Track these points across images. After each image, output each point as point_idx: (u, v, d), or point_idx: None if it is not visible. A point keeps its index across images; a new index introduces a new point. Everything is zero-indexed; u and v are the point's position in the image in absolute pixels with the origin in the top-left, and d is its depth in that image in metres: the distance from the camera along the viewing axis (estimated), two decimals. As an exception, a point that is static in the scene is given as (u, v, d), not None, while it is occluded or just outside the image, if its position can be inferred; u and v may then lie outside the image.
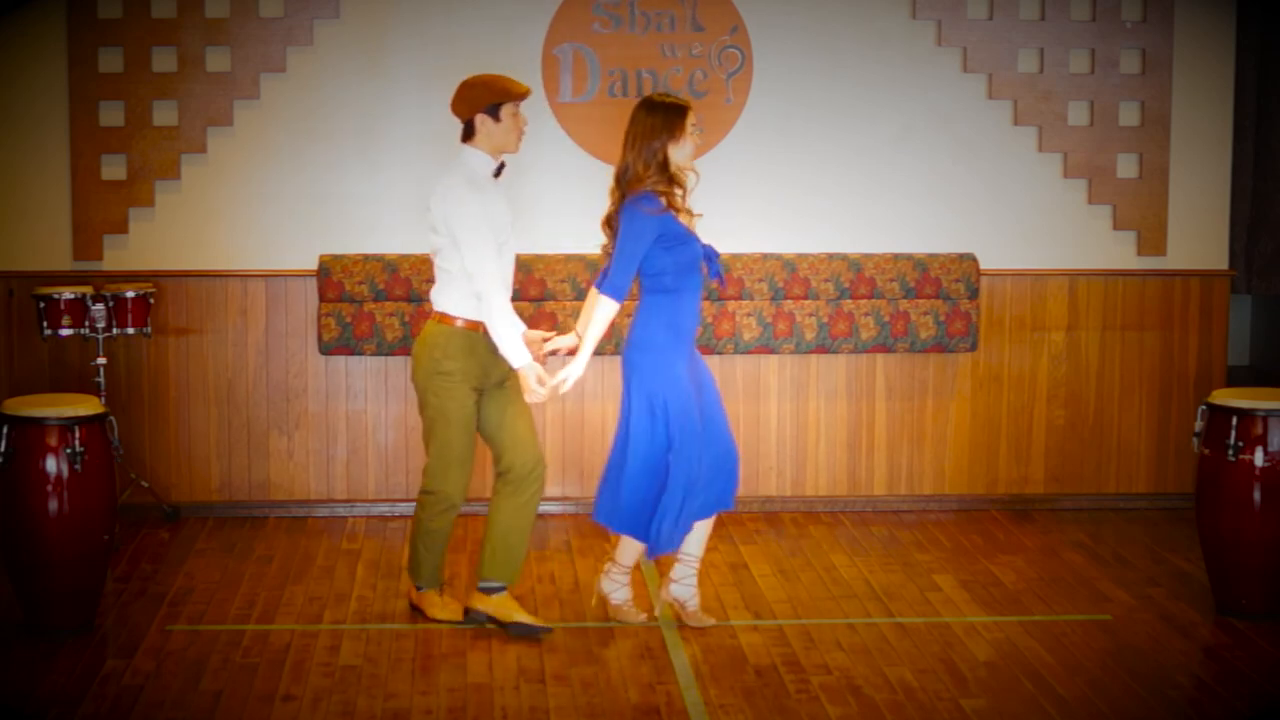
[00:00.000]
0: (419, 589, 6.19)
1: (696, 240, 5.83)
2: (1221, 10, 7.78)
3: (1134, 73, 7.75)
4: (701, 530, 6.00)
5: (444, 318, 5.91)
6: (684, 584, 6.03)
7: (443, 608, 6.15)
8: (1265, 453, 6.03)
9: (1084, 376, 7.84)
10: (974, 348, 7.65)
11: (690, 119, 5.79)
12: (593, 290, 5.95)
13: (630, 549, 6.04)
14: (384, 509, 7.63)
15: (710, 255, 5.89)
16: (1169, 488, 7.89)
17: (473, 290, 5.81)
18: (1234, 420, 6.06)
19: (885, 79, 7.66)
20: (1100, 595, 6.47)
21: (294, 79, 7.51)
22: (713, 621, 6.04)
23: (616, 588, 6.11)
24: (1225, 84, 7.84)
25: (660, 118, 5.76)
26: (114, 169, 7.47)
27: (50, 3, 7.37)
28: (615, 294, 5.75)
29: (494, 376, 5.99)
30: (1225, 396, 6.17)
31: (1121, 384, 7.87)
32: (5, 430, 5.82)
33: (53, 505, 5.82)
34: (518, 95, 5.89)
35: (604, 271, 5.86)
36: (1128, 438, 7.89)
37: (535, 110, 7.55)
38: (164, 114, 7.47)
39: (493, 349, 5.87)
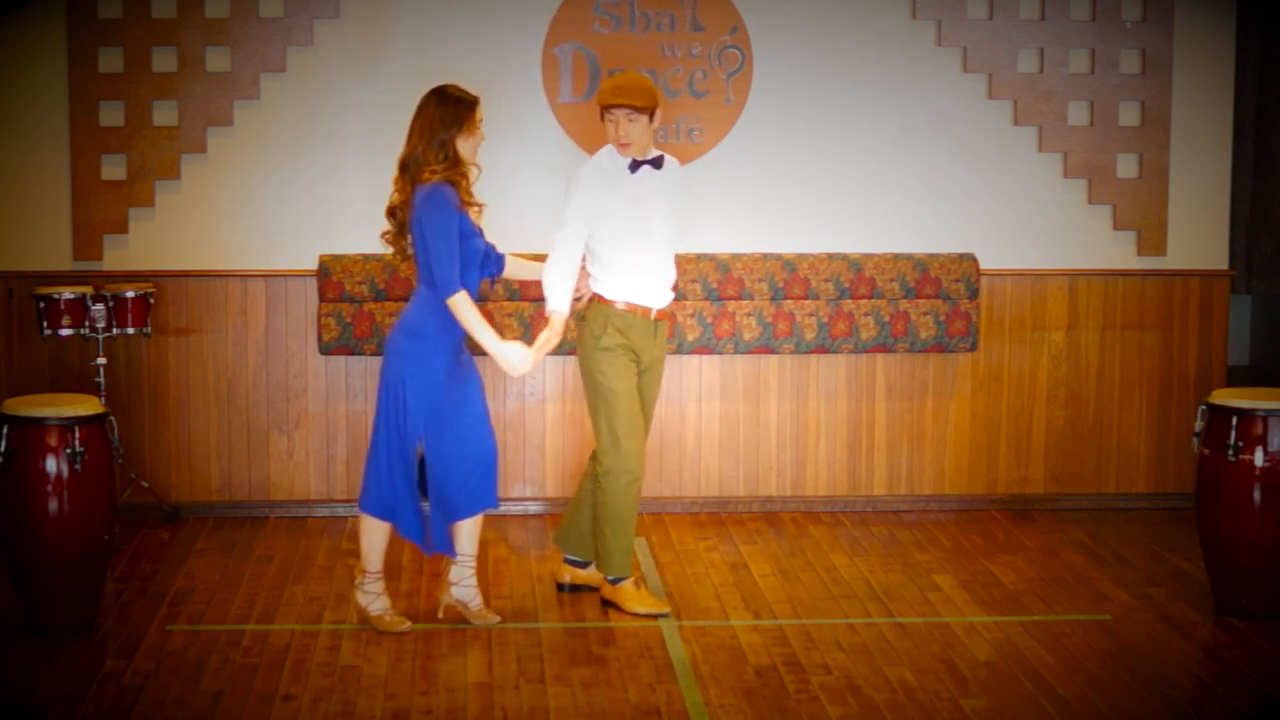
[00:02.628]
0: (612, 582, 6.18)
1: (479, 236, 5.86)
2: (1221, 10, 7.78)
3: (1134, 73, 7.75)
4: (471, 529, 5.99)
5: (602, 299, 6.08)
6: (464, 585, 6.04)
7: (641, 600, 6.15)
8: (1265, 453, 6.03)
9: (1084, 376, 7.84)
10: (974, 348, 7.65)
11: (479, 113, 5.85)
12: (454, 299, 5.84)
13: (375, 554, 5.99)
14: (384, 509, 7.63)
15: (488, 253, 5.90)
16: (1169, 488, 7.89)
17: (622, 271, 6.06)
18: (1234, 420, 6.06)
19: (885, 79, 7.66)
20: (1100, 595, 6.47)
21: (294, 79, 7.51)
22: (498, 619, 6.02)
23: (373, 598, 6.02)
24: (1225, 84, 7.84)
25: (450, 109, 5.83)
26: (114, 169, 7.47)
27: (50, 3, 7.37)
28: (453, 287, 5.73)
29: (647, 359, 6.13)
30: (1225, 396, 6.17)
31: (1121, 384, 7.87)
32: (5, 430, 5.82)
33: (53, 505, 5.82)
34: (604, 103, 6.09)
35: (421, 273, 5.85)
36: (1128, 438, 7.89)
37: (535, 110, 7.57)
38: (164, 114, 7.47)
39: (649, 331, 6.08)
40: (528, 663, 5.66)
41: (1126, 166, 7.79)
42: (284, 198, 7.55)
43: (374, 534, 5.99)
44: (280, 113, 7.51)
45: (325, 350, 7.44)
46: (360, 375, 7.61)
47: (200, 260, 7.54)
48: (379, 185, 7.53)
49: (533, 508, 7.67)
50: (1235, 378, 8.39)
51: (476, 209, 5.92)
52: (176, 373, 7.57)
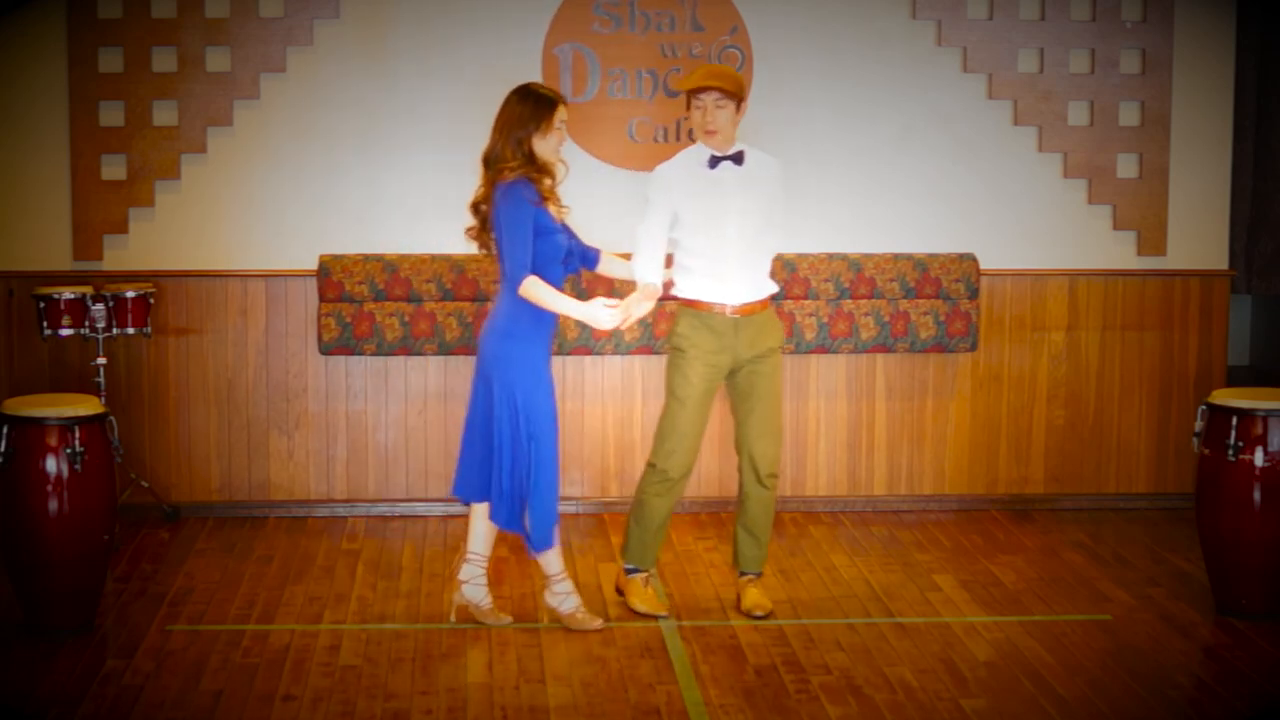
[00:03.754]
0: (627, 571, 6.21)
1: (564, 233, 5.85)
2: (1221, 10, 7.78)
3: (1134, 73, 7.75)
4: (490, 530, 5.99)
5: (676, 298, 6.14)
6: (475, 584, 6.03)
7: (643, 598, 6.17)
8: (1265, 453, 6.03)
9: (1084, 376, 7.84)
10: (974, 348, 7.65)
11: (559, 114, 5.81)
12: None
13: (554, 557, 5.99)
14: (384, 509, 7.63)
15: (572, 250, 5.89)
16: (1169, 488, 7.89)
17: (696, 270, 6.06)
18: (1234, 420, 6.06)
19: (885, 79, 7.66)
20: (1100, 595, 6.47)
21: (294, 79, 7.51)
22: (509, 620, 6.02)
23: (563, 599, 6.03)
24: (1225, 84, 7.84)
25: (529, 108, 5.80)
26: (114, 169, 7.47)
27: (50, 3, 7.37)
28: (521, 273, 5.72)
29: (732, 359, 6.10)
30: (1225, 396, 6.17)
31: (1121, 384, 7.87)
32: (5, 430, 5.82)
33: (53, 505, 5.82)
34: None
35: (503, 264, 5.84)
36: (1128, 438, 7.89)
37: (535, 110, 7.56)
38: (164, 114, 7.47)
39: (729, 329, 6.06)
40: (528, 663, 5.66)
41: (1126, 166, 7.79)
42: (284, 198, 7.55)
43: (484, 516, 5.98)
44: (280, 113, 7.52)
45: (325, 350, 7.44)
46: (360, 375, 7.61)
47: (200, 260, 7.54)
48: (379, 185, 7.57)
49: (533, 508, 7.67)
50: (1235, 378, 8.39)
51: (558, 207, 5.89)
52: (176, 373, 7.57)
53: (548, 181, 5.83)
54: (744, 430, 6.17)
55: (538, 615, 6.14)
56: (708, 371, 6.08)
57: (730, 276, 6.06)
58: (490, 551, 6.05)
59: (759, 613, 6.13)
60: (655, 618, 6.11)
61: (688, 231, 6.05)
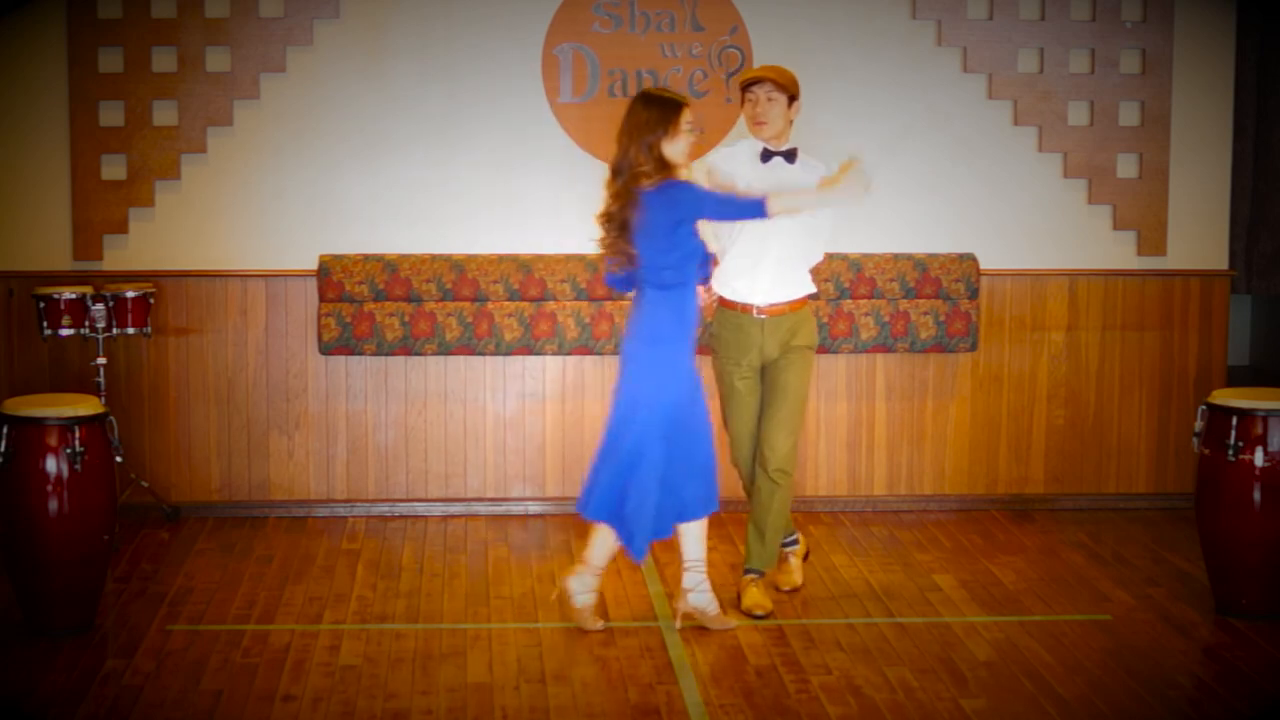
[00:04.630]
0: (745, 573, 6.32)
1: (699, 238, 5.86)
2: (1221, 10, 7.78)
3: (1134, 73, 7.75)
4: (698, 533, 5.98)
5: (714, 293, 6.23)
6: (699, 591, 6.01)
7: (749, 596, 6.22)
8: (1265, 453, 6.03)
9: (1084, 376, 7.84)
10: (974, 348, 7.65)
11: (685, 116, 5.81)
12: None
13: (603, 548, 6.01)
14: (384, 509, 7.63)
15: (707, 255, 5.93)
16: (1169, 488, 7.89)
17: (733, 268, 6.12)
18: (1234, 420, 6.06)
19: (885, 79, 7.66)
20: (1100, 595, 6.47)
21: (294, 79, 7.51)
22: (735, 624, 6.02)
23: (583, 590, 6.04)
24: (1225, 84, 7.84)
25: (656, 112, 5.78)
26: (114, 169, 7.47)
27: (50, 3, 7.37)
28: (759, 204, 5.72)
29: (763, 357, 6.15)
30: (1225, 396, 6.17)
31: (1121, 384, 7.87)
32: (5, 430, 5.82)
33: (53, 505, 5.82)
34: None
35: (618, 267, 5.87)
36: (1128, 438, 7.89)
37: (535, 110, 7.56)
38: (164, 114, 7.47)
39: (757, 329, 6.13)
40: (528, 663, 5.66)
41: (1126, 166, 7.79)
42: (284, 198, 7.55)
43: (610, 537, 5.99)
44: (280, 113, 7.52)
45: (325, 350, 7.44)
46: (360, 375, 7.61)
47: (200, 260, 7.54)
48: (379, 185, 7.57)
49: (533, 508, 7.67)
50: (1235, 378, 8.39)
51: None
52: (176, 373, 7.57)
53: None
54: (762, 424, 6.23)
55: (536, 615, 6.14)
56: (736, 370, 6.19)
57: (765, 276, 6.14)
58: (704, 555, 6.01)
59: (759, 612, 6.14)
60: (758, 618, 6.13)
61: (729, 225, 6.12)
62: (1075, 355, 7.83)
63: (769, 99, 6.13)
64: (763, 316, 6.14)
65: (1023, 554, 7.05)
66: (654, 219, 5.74)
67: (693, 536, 5.97)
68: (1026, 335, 7.81)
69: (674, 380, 5.82)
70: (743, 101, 6.22)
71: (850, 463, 7.77)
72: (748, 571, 6.28)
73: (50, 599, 5.88)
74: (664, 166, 5.76)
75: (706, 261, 5.94)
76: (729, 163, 6.19)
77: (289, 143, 7.53)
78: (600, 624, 6.01)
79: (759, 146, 6.19)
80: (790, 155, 6.19)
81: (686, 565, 5.99)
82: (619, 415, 5.88)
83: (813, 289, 6.28)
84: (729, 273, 6.18)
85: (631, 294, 6.00)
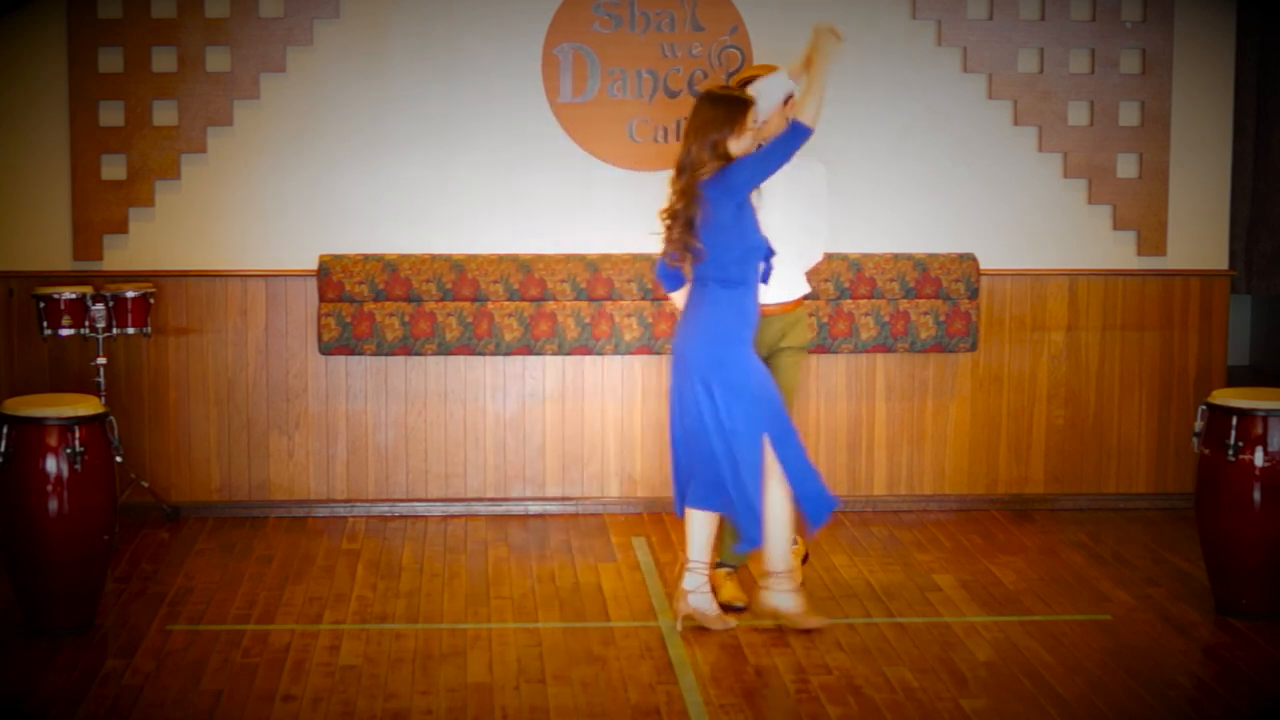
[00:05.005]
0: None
1: (761, 234, 5.87)
2: (1221, 10, 7.78)
3: (1134, 73, 7.75)
4: (708, 531, 5.97)
5: None
6: (700, 593, 5.99)
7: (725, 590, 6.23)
8: (1265, 453, 6.03)
9: (1084, 376, 7.84)
10: (974, 348, 7.65)
11: (752, 114, 5.84)
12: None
13: (700, 540, 5.96)
14: (384, 509, 7.63)
15: (768, 254, 5.90)
16: (1169, 488, 7.88)
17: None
18: (1234, 420, 6.06)
19: (885, 79, 7.66)
20: (1100, 595, 6.47)
21: (294, 79, 7.50)
22: (735, 623, 5.99)
23: (698, 590, 6.01)
24: (1225, 84, 7.84)
25: (722, 110, 5.82)
26: (114, 169, 7.47)
27: (50, 3, 7.37)
28: (800, 128, 5.78)
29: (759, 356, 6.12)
30: (1225, 396, 6.17)
31: (1121, 384, 7.87)
32: (5, 430, 5.82)
33: (53, 505, 5.82)
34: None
35: (669, 257, 5.91)
36: (1128, 438, 7.89)
37: (535, 110, 7.56)
38: (164, 114, 7.46)
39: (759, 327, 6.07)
40: (528, 663, 5.66)
41: (1126, 166, 7.79)
42: (284, 198, 7.55)
43: (706, 524, 5.97)
44: (280, 113, 7.51)
45: (325, 350, 7.43)
46: (360, 375, 7.61)
47: (200, 260, 7.54)
48: (379, 185, 7.57)
49: (533, 508, 7.67)
50: (1235, 378, 8.39)
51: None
52: (176, 373, 7.57)
53: None
54: None
55: (536, 615, 6.14)
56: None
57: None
58: (709, 557, 6.00)
59: (738, 604, 6.15)
60: (734, 610, 6.14)
61: None
62: (1075, 355, 7.83)
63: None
64: (763, 316, 6.12)
65: (1023, 554, 7.05)
66: (718, 211, 5.78)
67: (705, 534, 5.96)
68: (1026, 335, 7.80)
69: (750, 373, 5.83)
70: None
71: (850, 463, 7.77)
72: (720, 565, 6.29)
73: (50, 599, 5.88)
74: (728, 162, 5.81)
75: (769, 258, 5.90)
76: None
77: (289, 143, 7.53)
78: (732, 622, 5.99)
79: (753, 146, 6.14)
80: None
81: (690, 566, 5.98)
82: (697, 412, 5.83)
83: (807, 289, 6.26)
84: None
85: (671, 293, 6.04)
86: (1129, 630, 6.03)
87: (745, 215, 5.83)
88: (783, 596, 5.99)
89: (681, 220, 5.84)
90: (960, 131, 7.71)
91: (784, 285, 6.16)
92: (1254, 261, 8.41)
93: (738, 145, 5.81)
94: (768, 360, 6.14)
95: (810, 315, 7.50)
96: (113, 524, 6.07)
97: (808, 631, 5.93)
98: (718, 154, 5.78)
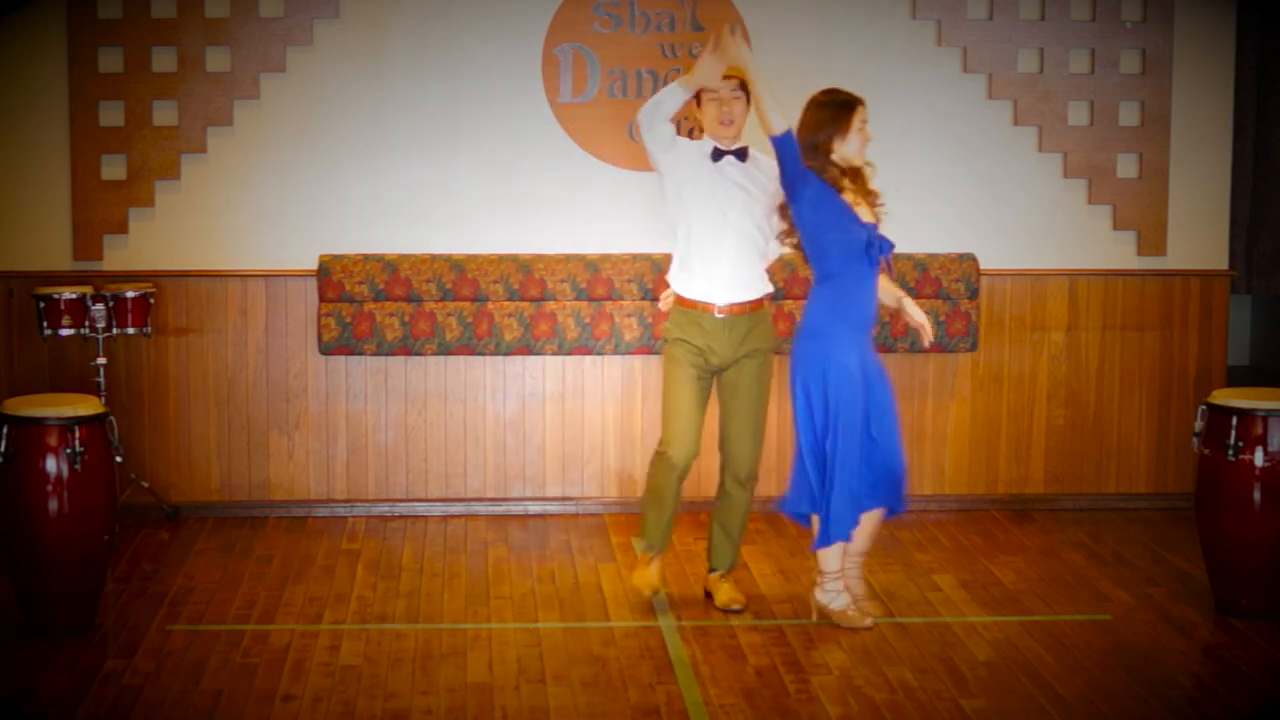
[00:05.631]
0: (642, 549, 6.27)
1: (863, 227, 5.84)
2: (1221, 10, 7.79)
3: (1134, 73, 7.75)
4: (869, 528, 6.08)
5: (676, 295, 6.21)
6: (833, 592, 6.04)
7: (641, 576, 6.23)
8: (1265, 453, 6.03)
9: (1084, 376, 7.84)
10: (974, 348, 7.65)
11: (859, 115, 5.88)
12: None
13: (831, 555, 6.00)
14: (384, 509, 7.63)
15: (871, 241, 5.85)
16: (1169, 488, 7.89)
17: (692, 266, 6.10)
18: (1234, 420, 6.06)
19: (885, 79, 7.65)
20: (1100, 595, 6.47)
21: (294, 79, 7.51)
22: (870, 622, 6.01)
23: (833, 596, 6.03)
24: (1225, 84, 7.84)
25: (827, 113, 5.90)
26: (114, 169, 7.47)
27: (50, 3, 7.37)
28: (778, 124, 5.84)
29: (719, 359, 6.11)
30: (1225, 396, 6.17)
31: (1121, 384, 7.87)
32: (5, 430, 5.82)
33: (53, 505, 5.82)
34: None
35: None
36: (1128, 438, 7.89)
37: (535, 110, 7.57)
38: (164, 114, 7.47)
39: (717, 329, 6.08)
40: (528, 663, 5.66)
41: (1126, 166, 7.79)
42: (284, 198, 7.55)
43: (832, 549, 6.01)
44: (280, 113, 7.52)
45: (325, 350, 7.44)
46: (360, 375, 7.61)
47: (200, 260, 7.54)
48: (379, 185, 7.57)
49: (532, 508, 7.67)
50: (1235, 378, 8.39)
51: (868, 207, 5.92)
52: (176, 373, 7.57)
53: (844, 181, 5.88)
54: (726, 429, 6.21)
55: (536, 615, 6.14)
56: (696, 359, 6.10)
57: (722, 275, 6.08)
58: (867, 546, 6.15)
59: (735, 606, 6.16)
60: (648, 594, 6.18)
61: (684, 223, 6.09)
62: (1075, 355, 7.83)
63: (734, 97, 6.10)
64: (723, 316, 6.09)
65: (1023, 554, 7.05)
66: (796, 211, 5.88)
67: (865, 532, 6.09)
68: (1026, 335, 7.80)
69: (843, 372, 5.82)
70: (699, 104, 6.12)
71: (850, 463, 7.76)
72: (713, 570, 6.31)
73: (50, 599, 5.88)
74: (832, 164, 5.85)
75: (874, 248, 5.85)
76: (679, 160, 6.09)
77: (289, 143, 7.53)
78: (869, 621, 6.01)
79: (709, 145, 6.10)
80: (742, 154, 6.12)
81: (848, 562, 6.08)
82: (801, 411, 5.91)
83: (770, 288, 6.24)
84: (689, 267, 6.10)
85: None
86: (1129, 630, 6.03)
87: (801, 207, 5.84)
88: (834, 596, 6.03)
89: (788, 219, 6.01)
90: (960, 131, 7.71)
91: (745, 285, 6.12)
92: (1254, 261, 8.41)
93: (844, 146, 5.88)
94: (736, 365, 6.13)
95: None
96: (113, 524, 6.07)
97: (855, 630, 5.97)
98: (819, 155, 5.84)
